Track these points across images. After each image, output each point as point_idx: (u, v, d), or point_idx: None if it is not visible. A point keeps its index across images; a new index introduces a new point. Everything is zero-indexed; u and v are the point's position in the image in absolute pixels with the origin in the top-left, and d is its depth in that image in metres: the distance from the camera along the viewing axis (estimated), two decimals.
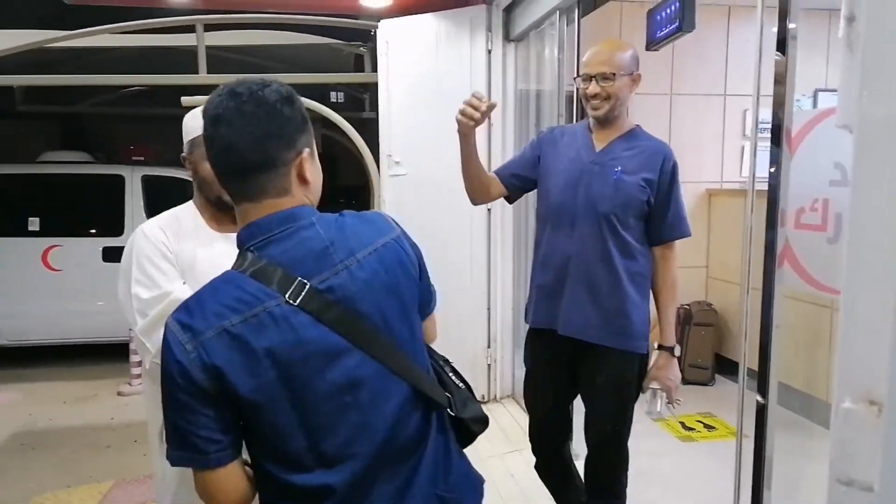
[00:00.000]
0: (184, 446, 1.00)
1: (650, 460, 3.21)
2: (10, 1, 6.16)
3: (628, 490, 2.15)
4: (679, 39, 3.37)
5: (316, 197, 1.12)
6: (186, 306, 1.02)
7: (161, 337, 1.37)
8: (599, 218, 2.01)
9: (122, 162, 5.87)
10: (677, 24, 3.25)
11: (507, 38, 3.95)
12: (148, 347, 1.48)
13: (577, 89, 2.13)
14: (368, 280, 1.05)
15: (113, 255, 4.88)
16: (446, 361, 1.25)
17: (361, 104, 7.65)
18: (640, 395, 2.12)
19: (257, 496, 1.08)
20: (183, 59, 5.10)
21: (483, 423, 1.21)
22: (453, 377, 1.22)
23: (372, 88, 6.60)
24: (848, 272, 0.63)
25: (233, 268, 1.05)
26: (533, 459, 2.31)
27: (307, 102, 4.75)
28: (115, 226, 5.22)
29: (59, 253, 5.08)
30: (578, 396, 2.22)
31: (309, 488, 1.03)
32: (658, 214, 2.04)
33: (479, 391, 3.98)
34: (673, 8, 3.29)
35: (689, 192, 4.93)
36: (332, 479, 1.03)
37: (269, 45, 6.03)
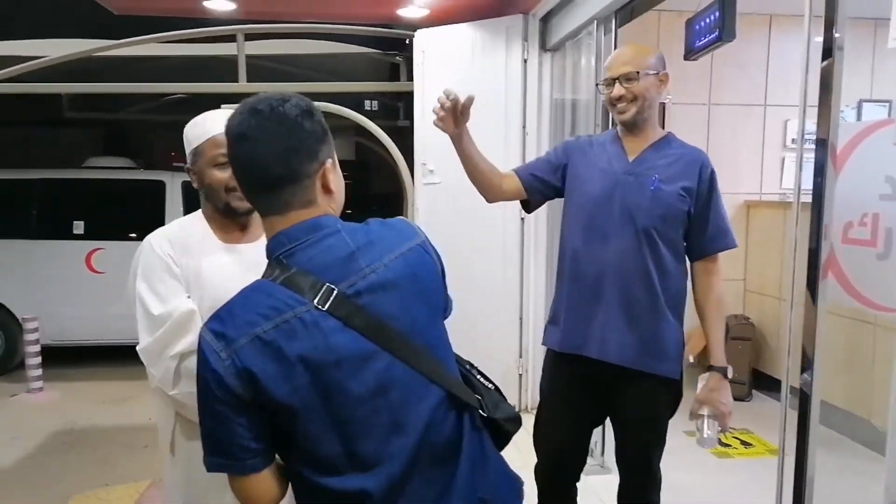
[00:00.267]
0: (218, 453, 1.02)
1: (684, 475, 3.15)
2: (60, 11, 6.37)
3: None
4: (719, 49, 3.33)
5: (340, 205, 1.14)
6: (218, 316, 1.04)
7: (166, 367, 1.42)
8: (638, 232, 1.88)
9: (163, 168, 6.01)
10: (717, 33, 3.22)
11: (543, 47, 3.95)
12: (152, 372, 1.46)
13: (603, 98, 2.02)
14: (395, 284, 1.06)
15: None
16: (472, 365, 1.25)
17: (396, 112, 7.71)
18: (691, 421, 1.96)
19: (292, 496, 1.10)
20: (223, 68, 5.22)
21: (516, 422, 1.20)
22: (481, 379, 1.22)
23: (406, 97, 6.67)
24: None
25: (262, 276, 1.07)
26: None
27: (343, 110, 4.81)
28: (155, 230, 5.33)
29: (102, 256, 5.21)
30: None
31: (346, 492, 1.04)
32: (699, 226, 1.93)
33: (510, 401, 3.96)
34: (713, 17, 3.25)
35: (726, 204, 4.81)
36: (368, 483, 1.04)
37: (307, 55, 6.13)
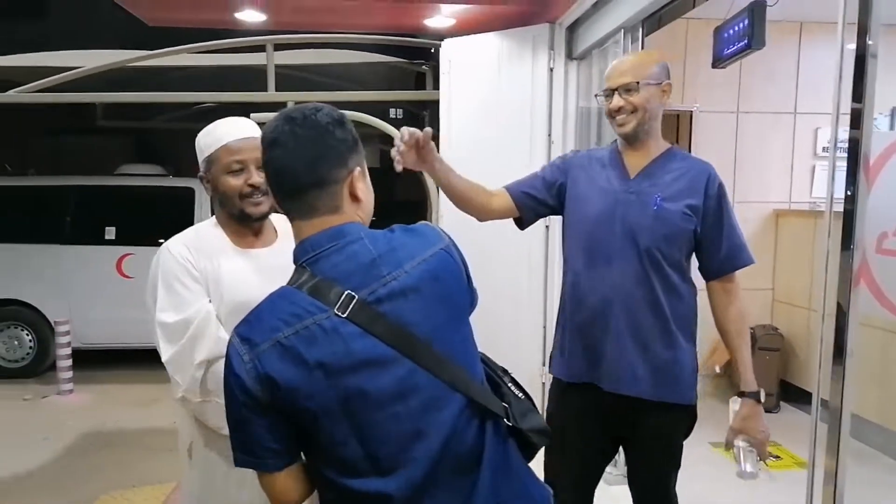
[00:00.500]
0: (244, 451, 1.06)
1: (709, 487, 3.11)
2: (95, 23, 6.54)
3: None
4: (747, 56, 3.30)
5: (368, 214, 1.16)
6: (247, 320, 1.08)
7: (192, 377, 1.43)
8: (641, 253, 1.78)
9: (193, 175, 6.09)
10: (746, 41, 3.19)
11: (569, 56, 3.94)
12: (178, 381, 1.46)
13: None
14: (417, 290, 1.07)
15: None
16: (505, 372, 1.25)
17: (421, 121, 7.75)
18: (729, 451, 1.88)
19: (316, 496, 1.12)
20: (252, 78, 5.30)
21: (544, 434, 1.19)
22: (513, 387, 1.21)
23: (431, 106, 6.70)
24: None
25: (288, 282, 1.10)
26: None
27: (368, 118, 4.87)
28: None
29: (132, 261, 5.31)
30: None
31: (368, 494, 1.05)
32: (711, 245, 1.82)
33: None
34: (742, 25, 3.23)
35: (754, 212, 4.81)
36: (388, 486, 1.05)
37: (334, 64, 6.20)
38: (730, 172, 4.74)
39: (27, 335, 5.44)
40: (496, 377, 1.21)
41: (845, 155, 1.77)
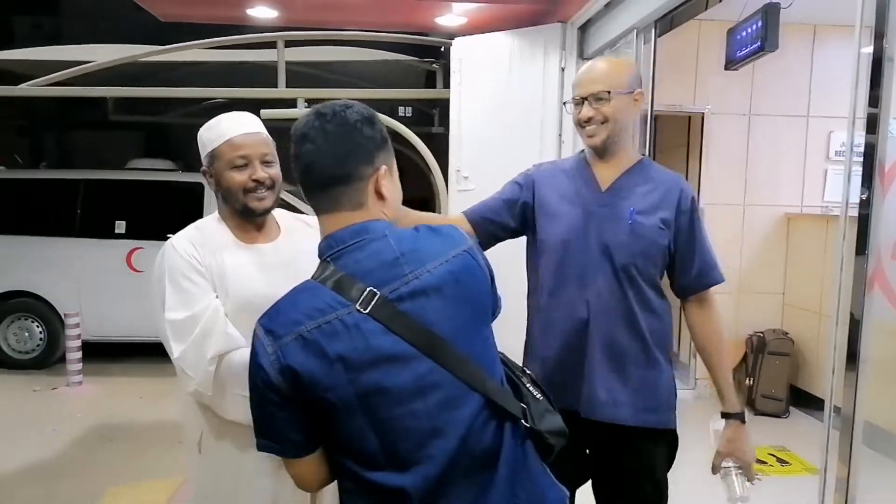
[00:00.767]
0: (266, 437, 1.10)
1: (716, 489, 3.09)
2: (108, 17, 6.56)
3: None
4: (760, 58, 3.28)
5: (394, 212, 1.17)
6: (270, 313, 1.09)
7: (206, 372, 1.42)
8: (617, 270, 1.68)
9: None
10: (759, 43, 3.18)
11: (581, 55, 3.93)
12: (191, 376, 1.45)
13: (573, 118, 1.77)
14: (438, 290, 1.08)
15: None
16: (524, 372, 1.25)
17: (430, 119, 7.75)
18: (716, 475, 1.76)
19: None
20: (263, 74, 5.32)
21: (561, 435, 1.20)
22: (531, 388, 1.22)
23: (441, 104, 6.70)
24: None
25: (312, 277, 1.11)
26: None
27: (378, 116, 4.84)
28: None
29: (142, 255, 5.33)
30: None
31: (385, 487, 1.07)
32: (684, 262, 1.73)
33: None
34: (755, 27, 3.22)
35: (765, 216, 4.79)
36: (405, 481, 1.06)
37: (345, 62, 6.20)
38: (741, 175, 4.71)
39: (37, 327, 5.48)
40: (515, 377, 1.21)
41: (860, 159, 1.75)
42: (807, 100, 4.71)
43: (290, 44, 5.04)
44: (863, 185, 1.73)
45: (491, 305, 1.18)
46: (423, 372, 1.06)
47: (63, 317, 5.17)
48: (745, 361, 4.56)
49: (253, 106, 4.26)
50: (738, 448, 1.70)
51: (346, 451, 1.09)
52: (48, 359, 5.49)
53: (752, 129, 4.71)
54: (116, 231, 5.44)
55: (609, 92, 1.68)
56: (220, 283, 1.50)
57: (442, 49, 5.26)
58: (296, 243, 1.61)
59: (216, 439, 1.55)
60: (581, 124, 1.73)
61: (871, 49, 1.73)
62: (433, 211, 6.22)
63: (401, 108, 7.65)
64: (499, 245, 1.85)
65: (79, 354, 5.07)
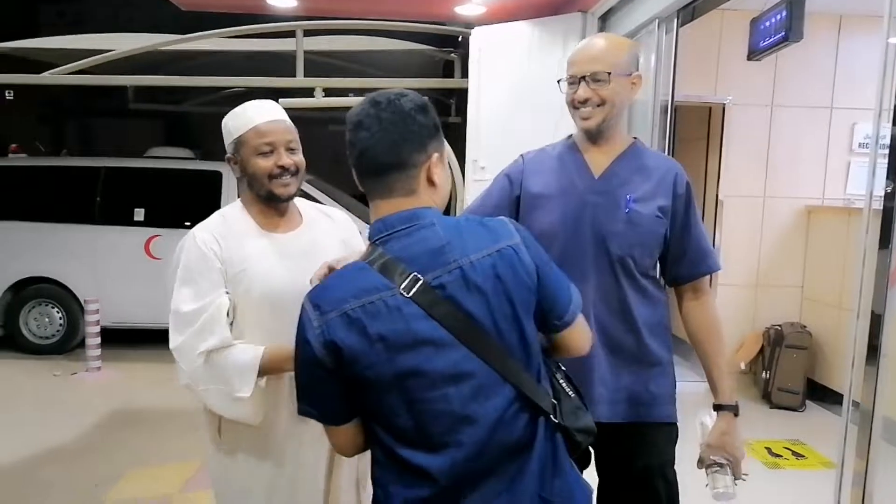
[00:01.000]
0: (307, 402, 1.16)
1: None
2: (129, 6, 6.61)
3: None
4: (783, 49, 3.23)
5: (443, 200, 1.21)
6: (317, 288, 1.15)
7: (194, 364, 1.47)
8: (613, 262, 1.59)
9: (221, 159, 6.16)
10: (783, 33, 3.13)
11: None
12: (182, 369, 1.49)
13: (566, 96, 1.65)
14: (479, 281, 1.10)
15: None
16: (558, 368, 1.26)
17: (447, 109, 7.73)
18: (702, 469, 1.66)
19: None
20: (281, 63, 5.32)
21: (588, 433, 1.22)
22: (564, 385, 1.23)
23: (458, 94, 6.68)
24: None
25: (360, 258, 1.16)
26: None
27: None
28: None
29: (160, 242, 5.38)
30: None
31: (413, 465, 1.10)
32: (680, 250, 1.63)
33: None
34: (779, 17, 3.16)
35: (785, 208, 4.73)
36: (432, 462, 1.09)
37: (364, 51, 6.20)
38: (762, 167, 4.66)
39: (57, 313, 5.55)
40: (549, 373, 1.22)
41: (885, 151, 1.72)
42: (830, 91, 4.63)
43: (308, 33, 5.04)
44: (888, 178, 1.70)
45: (533, 303, 1.16)
46: (458, 359, 1.09)
47: (83, 303, 5.24)
48: (762, 354, 4.52)
49: (271, 95, 4.29)
50: (730, 442, 1.61)
51: (382, 424, 1.12)
52: (68, 344, 5.57)
53: (774, 121, 4.65)
54: (135, 218, 5.50)
55: (609, 73, 1.55)
56: (242, 271, 1.52)
57: (460, 38, 5.24)
58: (316, 234, 1.64)
59: (235, 424, 1.57)
60: (575, 105, 1.61)
61: (894, 39, 1.70)
62: (450, 204, 6.22)
63: None
64: None
65: (98, 340, 5.14)
